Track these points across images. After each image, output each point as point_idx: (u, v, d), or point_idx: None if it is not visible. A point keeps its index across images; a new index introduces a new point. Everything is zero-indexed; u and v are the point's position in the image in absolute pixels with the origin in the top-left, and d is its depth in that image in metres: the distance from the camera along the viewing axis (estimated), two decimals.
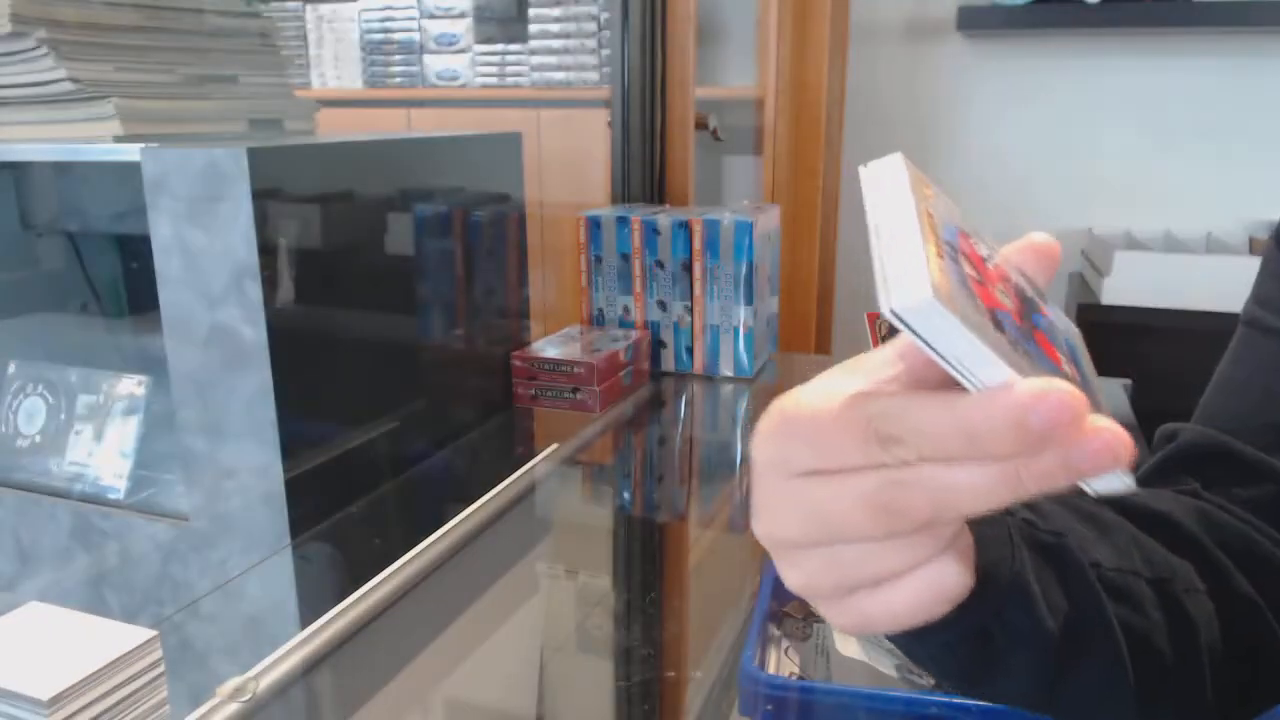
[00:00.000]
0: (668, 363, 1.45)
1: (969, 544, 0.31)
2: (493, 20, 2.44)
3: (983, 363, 0.25)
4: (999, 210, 2.18)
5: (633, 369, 1.37)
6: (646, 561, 1.06)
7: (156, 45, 1.10)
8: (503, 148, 1.31)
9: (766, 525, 0.29)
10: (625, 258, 1.43)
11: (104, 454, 1.06)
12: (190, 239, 0.90)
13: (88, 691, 0.54)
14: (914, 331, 0.25)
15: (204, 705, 0.68)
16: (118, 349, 1.30)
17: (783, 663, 0.70)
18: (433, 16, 2.44)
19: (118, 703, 0.56)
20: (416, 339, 1.15)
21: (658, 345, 1.44)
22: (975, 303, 0.26)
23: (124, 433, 1.06)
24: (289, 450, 0.92)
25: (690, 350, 1.43)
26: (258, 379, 0.90)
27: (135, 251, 1.35)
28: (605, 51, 2.26)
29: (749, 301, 1.38)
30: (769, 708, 0.61)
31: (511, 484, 1.09)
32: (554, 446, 1.21)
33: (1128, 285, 1.76)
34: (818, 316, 2.16)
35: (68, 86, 1.00)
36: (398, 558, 0.90)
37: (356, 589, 0.84)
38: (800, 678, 0.69)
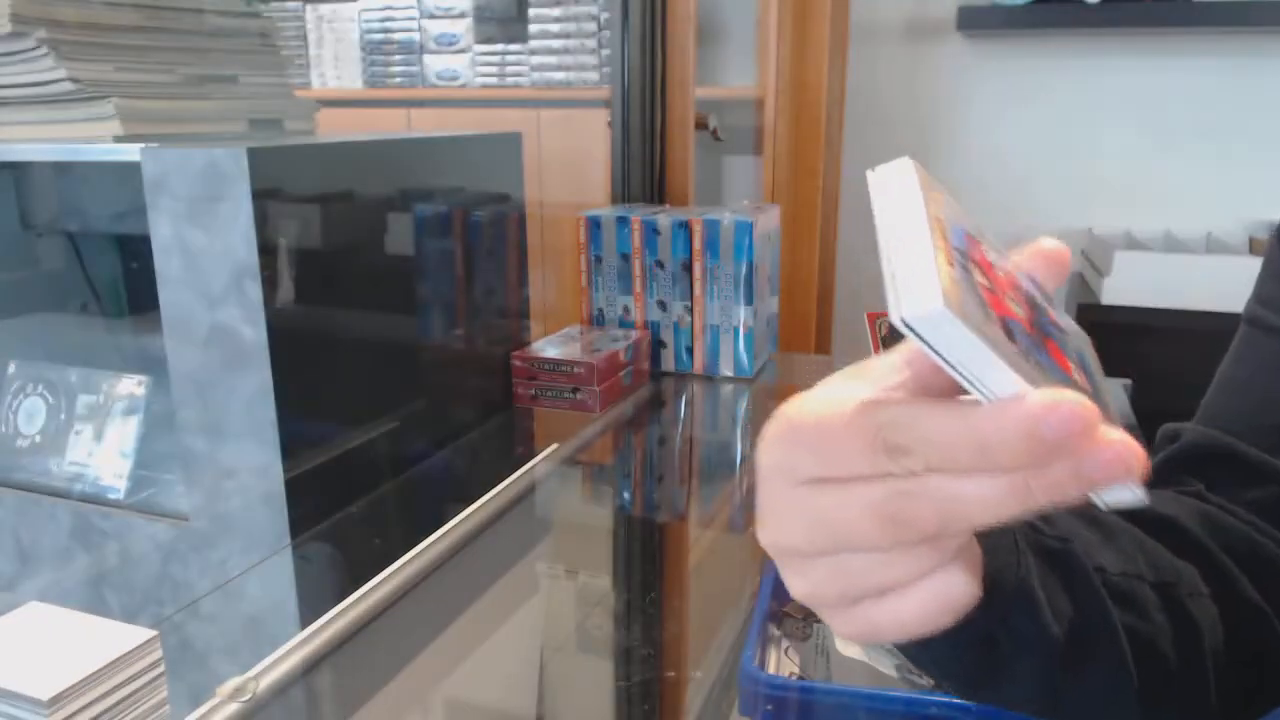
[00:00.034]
0: (668, 363, 1.45)
1: (977, 554, 0.31)
2: (493, 20, 2.44)
3: (994, 373, 0.25)
4: (999, 210, 2.18)
5: (633, 369, 1.37)
6: (646, 561, 1.06)
7: (156, 45, 1.10)
8: (503, 148, 1.31)
9: (771, 533, 0.29)
10: (625, 258, 1.43)
11: (104, 454, 1.06)
12: (190, 239, 0.90)
13: (88, 691, 0.54)
14: (924, 341, 0.24)
15: (204, 705, 0.68)
16: (118, 349, 1.30)
17: (783, 663, 0.70)
18: (433, 16, 2.44)
19: (118, 703, 0.56)
20: (416, 339, 1.15)
21: (658, 345, 1.44)
22: (986, 311, 0.25)
23: (124, 433, 1.06)
24: (289, 450, 0.92)
25: (690, 350, 1.43)
26: (258, 379, 0.90)
27: (135, 251, 1.35)
28: (605, 51, 2.26)
29: (749, 301, 1.38)
30: (769, 708, 0.61)
31: (511, 484, 1.09)
32: (554, 446, 1.21)
33: (1128, 285, 1.76)
34: (818, 316, 2.16)
35: (68, 86, 1.00)
36: (398, 558, 0.90)
37: (356, 589, 0.84)
38: (800, 678, 0.69)
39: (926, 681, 0.65)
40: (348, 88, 2.54)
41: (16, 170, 1.28)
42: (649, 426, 1.37)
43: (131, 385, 1.08)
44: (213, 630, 0.92)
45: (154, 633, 0.58)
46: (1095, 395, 0.28)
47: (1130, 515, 0.43)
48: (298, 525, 0.94)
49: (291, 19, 2.54)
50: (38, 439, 1.10)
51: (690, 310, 1.41)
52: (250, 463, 0.93)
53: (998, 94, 2.19)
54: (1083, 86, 2.12)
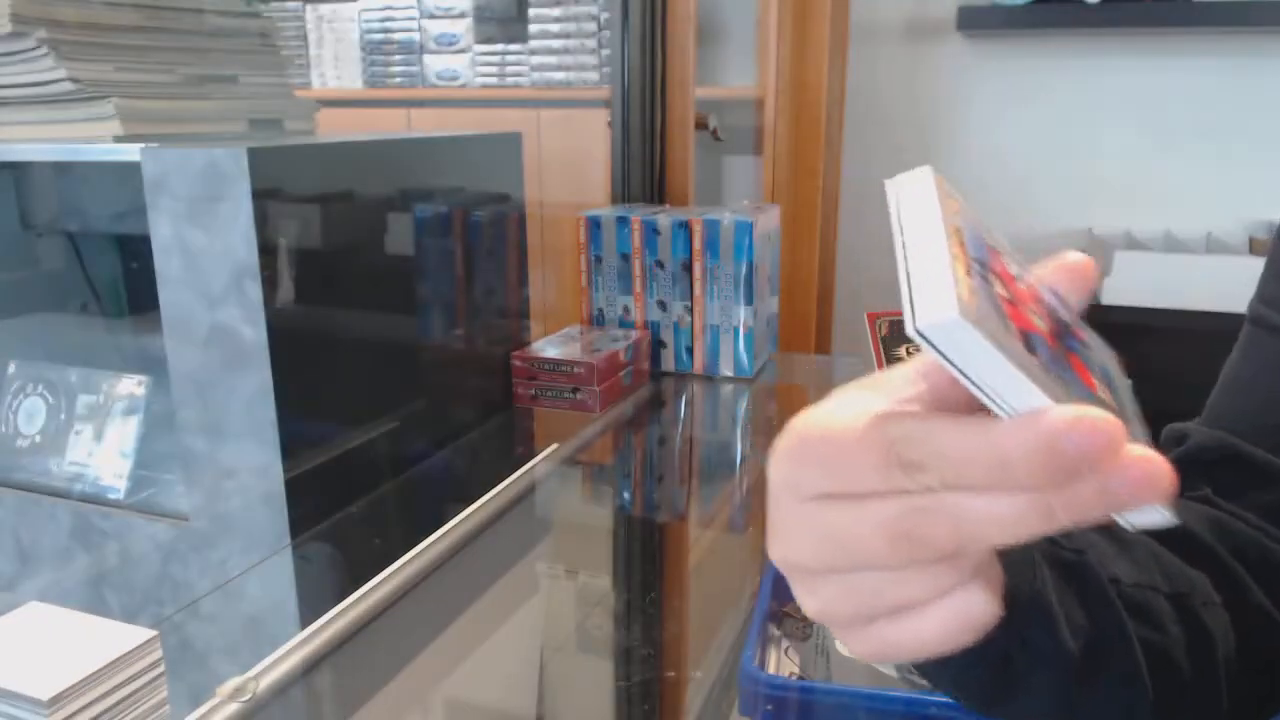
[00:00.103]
0: (668, 363, 1.45)
1: (998, 571, 0.30)
2: (493, 20, 2.44)
3: (1013, 386, 0.24)
4: (999, 210, 2.18)
5: (633, 369, 1.37)
6: (646, 561, 1.06)
7: (156, 45, 1.10)
8: (503, 148, 1.31)
9: (781, 549, 0.28)
10: (625, 258, 1.43)
11: (104, 454, 1.06)
12: (190, 239, 0.90)
13: (88, 691, 0.54)
14: (940, 352, 0.24)
15: (204, 705, 0.68)
16: (118, 349, 1.30)
17: (783, 663, 0.70)
18: (433, 16, 2.44)
19: (118, 703, 0.56)
20: (416, 339, 1.15)
21: (658, 345, 1.44)
22: (1006, 323, 0.25)
23: (124, 433, 1.06)
24: (289, 450, 0.92)
25: (690, 350, 1.43)
26: (258, 379, 0.90)
27: (135, 251, 1.35)
28: (605, 51, 2.26)
29: (749, 301, 1.38)
30: (769, 708, 0.61)
31: (511, 484, 1.09)
32: (554, 446, 1.21)
33: (1128, 285, 1.76)
34: (818, 316, 2.16)
35: (68, 86, 1.00)
36: (398, 558, 0.90)
37: (356, 589, 0.84)
38: (800, 678, 0.69)
39: (925, 681, 0.65)
40: (348, 88, 2.54)
41: (16, 170, 1.28)
42: (649, 426, 1.37)
43: (131, 385, 1.08)
44: (213, 630, 0.92)
45: (154, 633, 0.58)
46: (1121, 411, 0.27)
47: None
48: (298, 525, 0.94)
49: (291, 19, 2.54)
50: (38, 439, 1.10)
51: (690, 310, 1.41)
52: (250, 463, 0.93)
53: (998, 94, 2.19)
54: (1083, 86, 2.12)
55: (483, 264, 1.25)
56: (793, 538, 0.28)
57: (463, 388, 1.25)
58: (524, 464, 1.14)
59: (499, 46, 2.39)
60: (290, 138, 1.19)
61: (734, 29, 2.35)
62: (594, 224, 1.44)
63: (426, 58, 2.46)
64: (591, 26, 2.28)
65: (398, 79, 2.49)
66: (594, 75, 2.29)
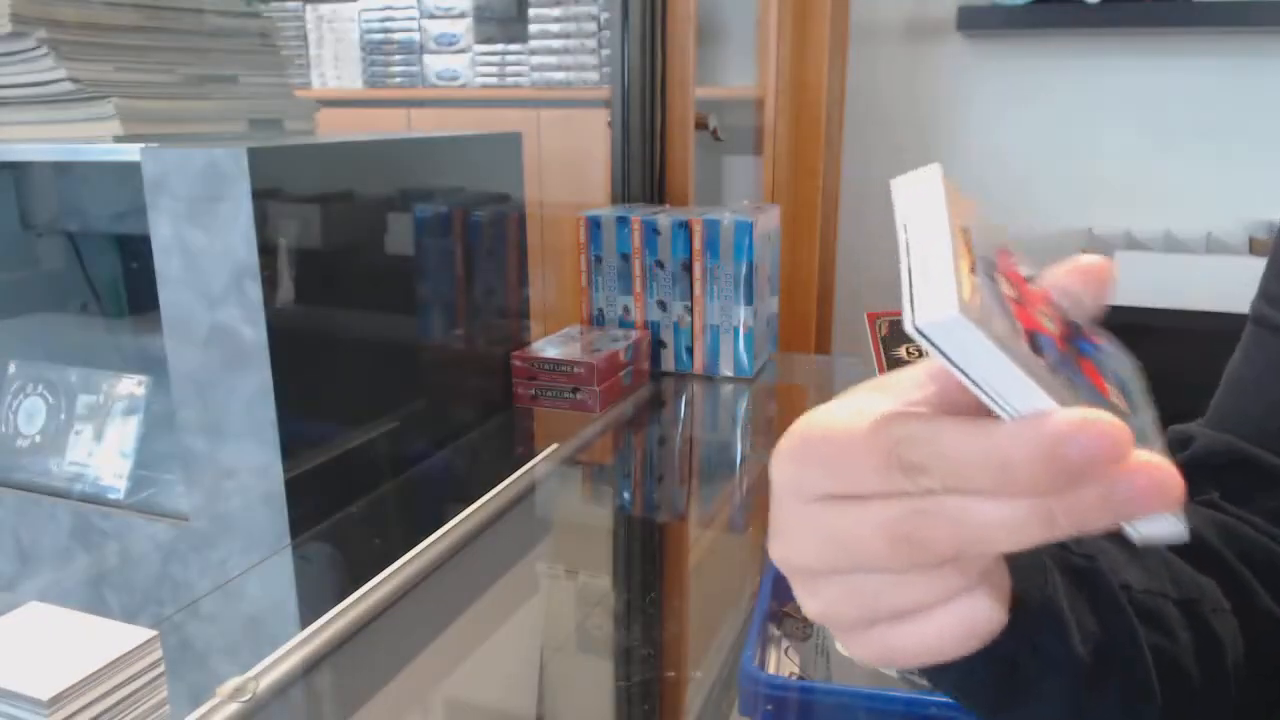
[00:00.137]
0: (668, 363, 1.45)
1: (1005, 578, 0.30)
2: (493, 20, 2.44)
3: (1016, 387, 0.23)
4: (999, 210, 2.18)
5: (633, 369, 1.37)
6: (646, 561, 1.06)
7: (156, 45, 1.10)
8: (503, 148, 1.31)
9: (783, 549, 0.28)
10: (625, 258, 1.43)
11: (104, 454, 1.06)
12: (190, 239, 0.90)
13: (88, 691, 0.54)
14: (940, 350, 0.23)
15: (204, 705, 0.68)
16: (118, 349, 1.30)
17: (783, 663, 0.70)
18: (433, 16, 2.44)
19: (118, 703, 0.56)
20: (416, 339, 1.15)
21: (658, 345, 1.44)
22: (1012, 323, 0.24)
23: (124, 433, 1.06)
24: (289, 450, 0.92)
25: (690, 350, 1.43)
26: (258, 379, 0.90)
27: (135, 251, 1.35)
28: (605, 51, 2.26)
29: (749, 301, 1.38)
30: (769, 708, 0.61)
31: (511, 484, 1.09)
32: (554, 446, 1.21)
33: (1128, 285, 1.76)
34: (818, 316, 2.16)
35: (68, 86, 1.00)
36: (398, 558, 0.90)
37: (356, 589, 0.84)
38: (800, 678, 0.69)
39: (926, 682, 0.65)
40: (348, 88, 2.54)
41: (16, 170, 1.28)
42: (649, 426, 1.37)
43: (131, 385, 1.08)
44: (213, 630, 0.92)
45: (154, 633, 0.58)
46: (1134, 418, 0.27)
47: None
48: (298, 525, 0.94)
49: (291, 19, 2.54)
50: (38, 439, 1.10)
51: (690, 310, 1.41)
52: (250, 463, 0.93)
53: (998, 94, 2.19)
54: (1083, 86, 2.12)
55: (483, 264, 1.25)
56: (794, 538, 0.27)
57: (463, 388, 1.25)
58: (524, 464, 1.14)
59: (499, 46, 2.39)
60: (290, 138, 1.19)
61: (734, 29, 2.35)
62: (594, 224, 1.44)
63: (426, 58, 2.46)
64: (591, 26, 2.28)
65: (398, 79, 2.49)
66: (594, 75, 2.29)
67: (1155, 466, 0.23)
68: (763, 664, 0.68)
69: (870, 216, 2.25)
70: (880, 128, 2.27)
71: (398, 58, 2.49)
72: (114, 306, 1.38)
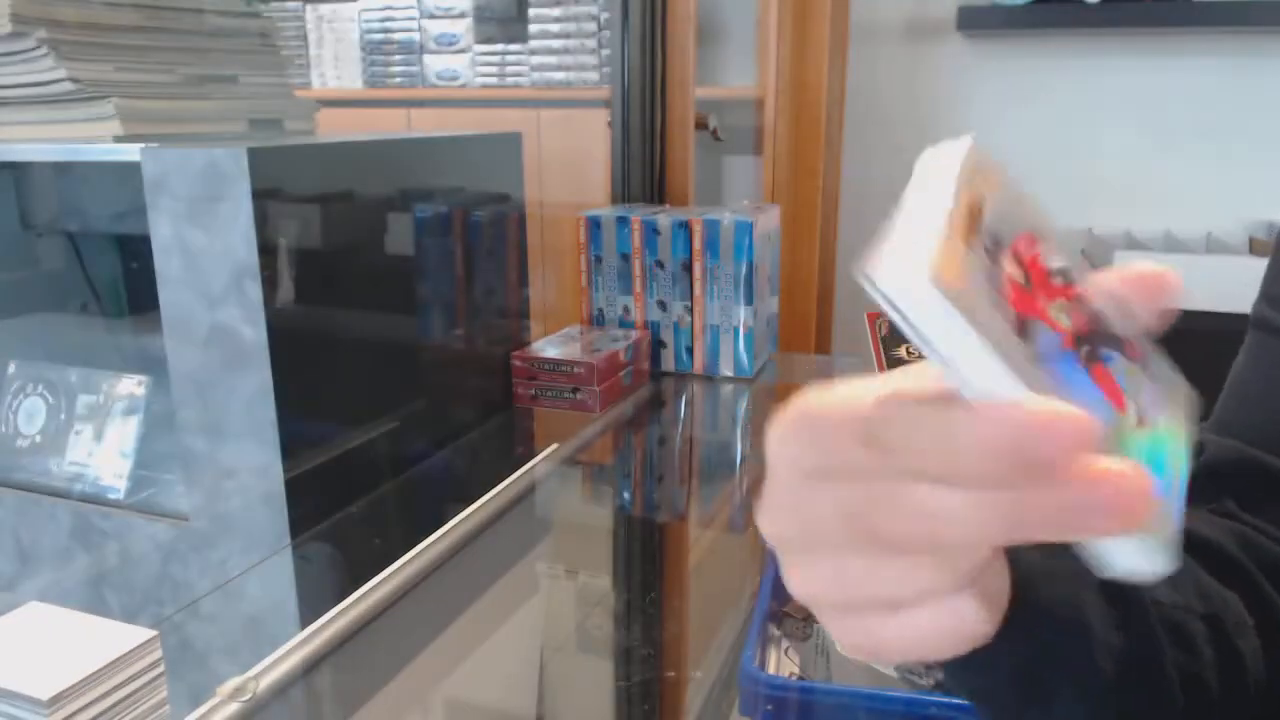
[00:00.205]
0: (668, 363, 1.45)
1: (1000, 586, 0.29)
2: (493, 20, 2.44)
3: (977, 364, 0.22)
4: None
5: (633, 369, 1.37)
6: (646, 561, 1.06)
7: (156, 45, 1.10)
8: (503, 148, 1.31)
9: (765, 521, 0.27)
10: (625, 258, 1.43)
11: (104, 454, 1.06)
12: (190, 239, 0.90)
13: (88, 691, 0.54)
14: (899, 312, 0.22)
15: (204, 705, 0.68)
16: (118, 349, 1.30)
17: (783, 663, 0.70)
18: (433, 16, 2.44)
19: (118, 703, 0.56)
20: (416, 339, 1.15)
21: (658, 345, 1.44)
22: (997, 302, 0.23)
23: (124, 433, 1.06)
24: (289, 450, 0.92)
25: (690, 350, 1.43)
26: (258, 379, 0.90)
27: (135, 251, 1.35)
28: (605, 51, 2.26)
29: (749, 301, 1.38)
30: (769, 708, 0.61)
31: (511, 484, 1.09)
32: (554, 446, 1.21)
33: None
34: (818, 316, 2.16)
35: (68, 86, 1.00)
36: (398, 558, 0.90)
37: (356, 589, 0.84)
38: (800, 678, 0.69)
39: (926, 682, 0.65)
40: (348, 88, 2.54)
41: (16, 170, 1.28)
42: (649, 426, 1.37)
43: (131, 385, 1.08)
44: (213, 630, 0.92)
45: (154, 633, 0.58)
46: (1143, 438, 0.25)
47: None
48: (298, 525, 0.94)
49: (291, 19, 2.54)
50: (38, 439, 1.10)
51: (690, 310, 1.41)
52: (250, 463, 0.93)
53: (998, 94, 2.19)
54: (1083, 86, 2.12)
55: (483, 264, 1.25)
56: (774, 511, 0.27)
57: (463, 388, 1.25)
58: (524, 464, 1.14)
59: (499, 46, 2.39)
60: (290, 138, 1.19)
61: (734, 29, 2.35)
62: (594, 224, 1.44)
63: (426, 58, 2.46)
64: (591, 26, 2.28)
65: (398, 79, 2.49)
66: (594, 75, 2.29)
67: (1120, 477, 0.21)
68: (763, 664, 0.68)
69: (870, 216, 2.25)
70: (880, 128, 2.27)
71: (398, 58, 2.49)
72: (114, 306, 1.38)
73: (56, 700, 0.52)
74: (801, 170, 2.09)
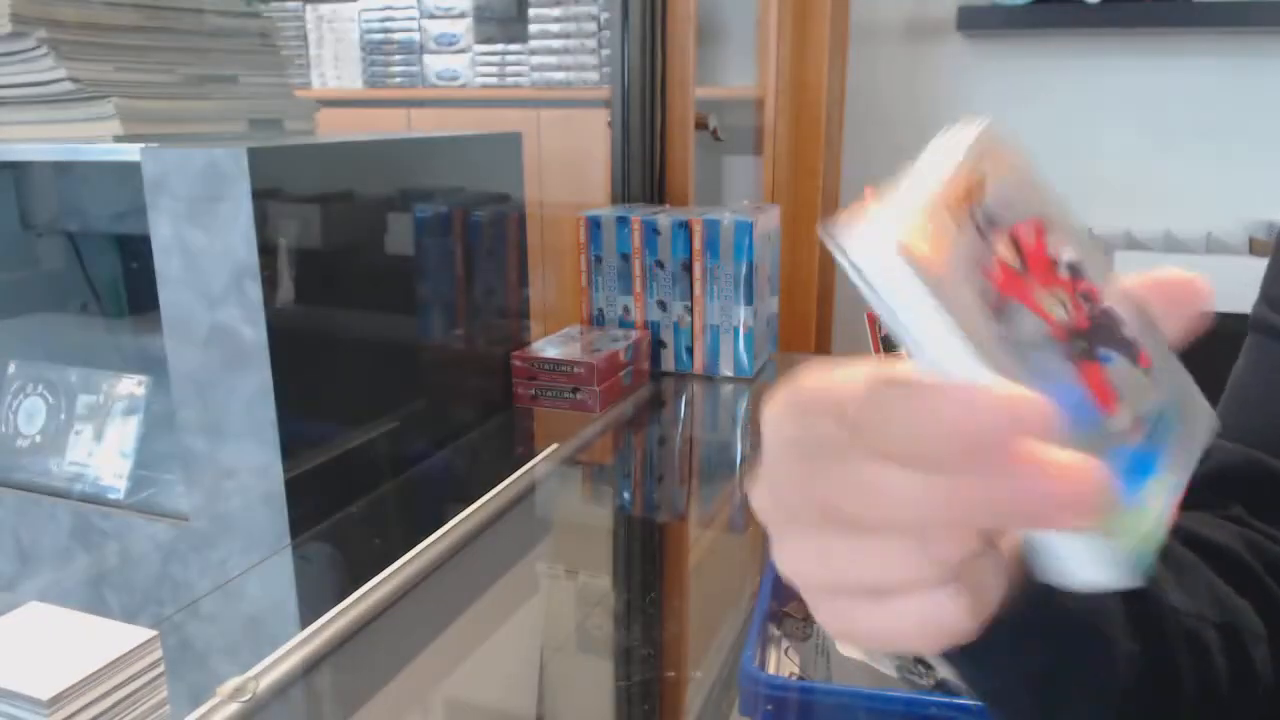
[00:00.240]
0: (668, 363, 1.45)
1: (991, 583, 0.28)
2: (493, 20, 2.44)
3: (937, 338, 0.21)
4: None
5: (633, 369, 1.37)
6: (646, 561, 1.06)
7: (156, 45, 1.10)
8: (503, 148, 1.31)
9: (755, 497, 0.27)
10: (625, 258, 1.43)
11: (104, 454, 1.06)
12: (190, 239, 0.90)
13: (88, 691, 0.54)
14: (863, 277, 0.22)
15: (204, 705, 0.68)
16: (118, 349, 1.30)
17: (783, 663, 0.70)
18: (433, 16, 2.44)
19: (118, 703, 0.56)
20: (416, 339, 1.15)
21: (658, 345, 1.44)
22: (976, 280, 0.22)
23: (124, 433, 1.06)
24: (289, 450, 0.92)
25: (690, 350, 1.43)
26: (258, 379, 0.90)
27: (135, 251, 1.35)
28: (605, 51, 2.26)
29: (749, 301, 1.38)
30: (769, 708, 0.61)
31: (511, 484, 1.09)
32: (554, 446, 1.21)
33: None
34: (818, 316, 2.16)
35: (68, 86, 1.00)
36: (398, 558, 0.90)
37: (356, 589, 0.84)
38: (800, 678, 0.69)
39: (926, 681, 0.65)
40: (348, 88, 2.54)
41: (16, 170, 1.28)
42: (649, 426, 1.37)
43: (131, 385, 1.08)
44: (213, 630, 0.92)
45: (154, 633, 0.58)
46: (1128, 446, 0.24)
47: (1189, 541, 0.40)
48: (298, 525, 0.94)
49: (291, 19, 2.54)
50: (38, 439, 1.10)
51: (690, 310, 1.41)
52: (250, 463, 0.93)
53: (998, 94, 2.19)
54: (1083, 86, 2.12)
55: (483, 264, 1.25)
56: (762, 487, 0.27)
57: (463, 388, 1.25)
58: (524, 464, 1.14)
59: (499, 46, 2.39)
60: (290, 138, 1.19)
61: (734, 29, 2.35)
62: (594, 224, 1.44)
63: (426, 58, 2.46)
64: (591, 26, 2.28)
65: (398, 79, 2.49)
66: (594, 75, 2.29)
67: (1074, 470, 0.21)
68: (763, 664, 0.68)
69: None
70: (880, 128, 2.27)
71: (398, 58, 2.49)
72: (114, 306, 1.38)
73: (56, 700, 0.52)
74: (801, 170, 2.09)
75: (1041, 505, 0.21)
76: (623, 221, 1.42)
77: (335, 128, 1.34)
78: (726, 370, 1.42)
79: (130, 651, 0.56)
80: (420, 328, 1.15)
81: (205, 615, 0.94)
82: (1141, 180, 2.13)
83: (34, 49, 1.00)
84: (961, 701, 0.58)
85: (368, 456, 1.05)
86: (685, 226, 1.39)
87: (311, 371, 0.96)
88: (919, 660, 0.67)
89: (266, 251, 0.88)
